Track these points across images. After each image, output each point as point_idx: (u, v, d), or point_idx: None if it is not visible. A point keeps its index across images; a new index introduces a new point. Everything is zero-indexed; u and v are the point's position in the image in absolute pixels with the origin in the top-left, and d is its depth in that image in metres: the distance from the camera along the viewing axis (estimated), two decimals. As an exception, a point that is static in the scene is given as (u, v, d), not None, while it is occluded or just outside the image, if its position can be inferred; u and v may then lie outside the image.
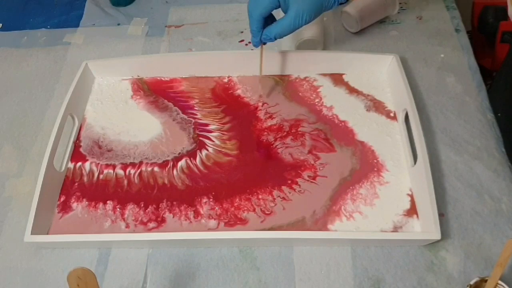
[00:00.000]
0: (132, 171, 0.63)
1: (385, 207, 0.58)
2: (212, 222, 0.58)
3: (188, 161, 0.64)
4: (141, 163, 0.64)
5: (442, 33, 0.78)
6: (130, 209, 0.60)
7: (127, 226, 0.58)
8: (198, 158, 0.64)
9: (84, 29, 0.85)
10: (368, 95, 0.70)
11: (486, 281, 0.49)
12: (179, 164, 0.64)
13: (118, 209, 0.60)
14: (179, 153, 0.65)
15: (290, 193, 0.60)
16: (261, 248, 0.57)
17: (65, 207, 0.60)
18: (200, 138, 0.66)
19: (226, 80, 0.73)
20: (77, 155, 0.65)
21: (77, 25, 0.86)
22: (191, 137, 0.67)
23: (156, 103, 0.71)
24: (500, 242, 0.55)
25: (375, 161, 0.62)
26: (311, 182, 0.61)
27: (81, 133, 0.68)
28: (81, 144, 0.66)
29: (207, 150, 0.65)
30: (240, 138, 0.66)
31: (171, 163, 0.64)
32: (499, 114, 0.67)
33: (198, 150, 0.65)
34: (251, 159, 0.64)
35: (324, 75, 0.72)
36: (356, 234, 0.56)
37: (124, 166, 0.64)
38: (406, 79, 0.65)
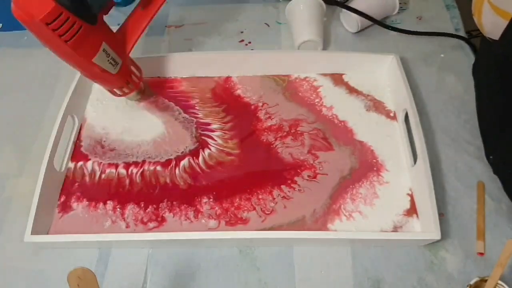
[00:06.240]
0: (135, 170, 0.63)
1: (385, 207, 0.58)
2: (212, 222, 0.58)
3: (191, 160, 0.64)
4: (144, 162, 0.64)
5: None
6: (130, 209, 0.60)
7: (127, 226, 0.58)
8: (200, 157, 0.64)
9: (84, 29, 0.84)
10: (368, 95, 0.70)
11: (486, 281, 0.49)
12: (182, 163, 0.64)
13: (118, 209, 0.60)
14: (182, 152, 0.65)
15: (290, 191, 0.60)
16: (261, 248, 0.57)
17: (65, 207, 0.60)
18: (203, 137, 0.66)
19: (226, 80, 0.73)
20: (78, 154, 0.65)
21: (77, 25, 0.85)
22: (194, 136, 0.67)
23: (157, 103, 0.71)
24: (500, 242, 0.55)
25: (374, 160, 0.62)
26: (311, 180, 0.61)
27: (81, 133, 0.68)
28: (82, 144, 0.66)
29: (210, 149, 0.65)
30: (241, 137, 0.66)
31: (174, 162, 0.64)
32: (491, 157, 0.58)
33: (201, 149, 0.65)
34: (252, 158, 0.64)
35: (324, 75, 0.72)
36: (356, 234, 0.56)
37: (127, 165, 0.64)
38: (406, 79, 0.65)
